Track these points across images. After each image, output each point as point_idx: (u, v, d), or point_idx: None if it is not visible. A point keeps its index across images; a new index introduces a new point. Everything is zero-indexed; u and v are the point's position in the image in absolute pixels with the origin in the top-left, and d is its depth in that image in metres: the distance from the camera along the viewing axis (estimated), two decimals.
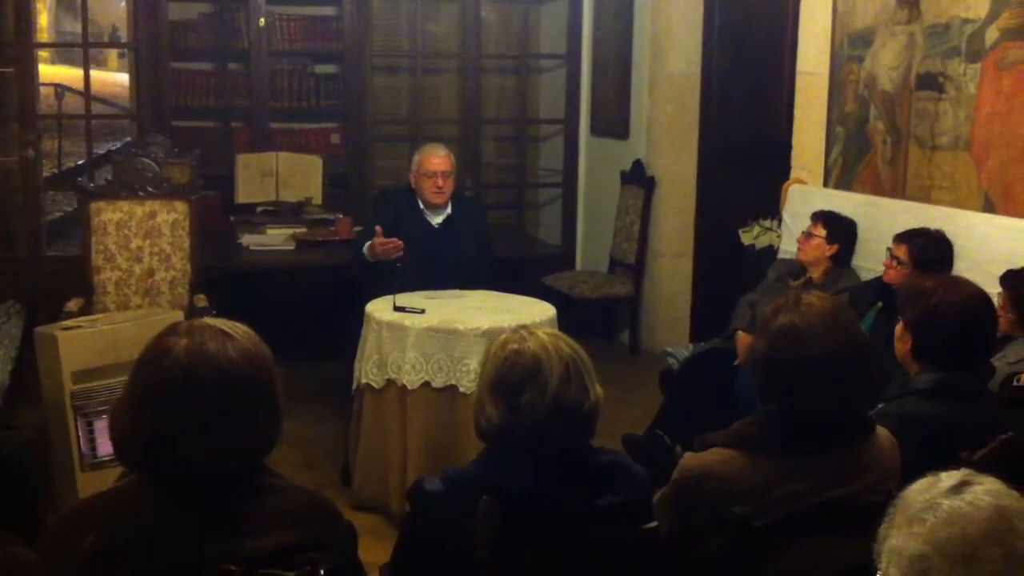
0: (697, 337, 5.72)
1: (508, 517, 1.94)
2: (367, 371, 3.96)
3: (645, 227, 6.20)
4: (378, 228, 4.59)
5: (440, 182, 4.68)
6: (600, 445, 2.23)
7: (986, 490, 1.53)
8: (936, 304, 2.63)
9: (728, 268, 5.71)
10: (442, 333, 3.85)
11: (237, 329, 1.87)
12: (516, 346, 2.06)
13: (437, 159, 4.71)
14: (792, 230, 4.81)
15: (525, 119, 7.19)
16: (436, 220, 4.78)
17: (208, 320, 1.90)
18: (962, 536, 1.47)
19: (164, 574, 1.73)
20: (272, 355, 1.86)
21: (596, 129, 6.73)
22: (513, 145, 7.24)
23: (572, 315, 6.17)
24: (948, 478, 1.56)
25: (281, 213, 5.95)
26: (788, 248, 4.85)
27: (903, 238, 3.97)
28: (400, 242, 4.56)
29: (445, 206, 4.78)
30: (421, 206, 4.76)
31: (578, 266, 6.87)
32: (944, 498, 1.51)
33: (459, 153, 6.89)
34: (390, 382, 3.92)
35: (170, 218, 4.76)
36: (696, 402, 4.27)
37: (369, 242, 4.64)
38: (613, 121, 6.49)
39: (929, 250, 3.88)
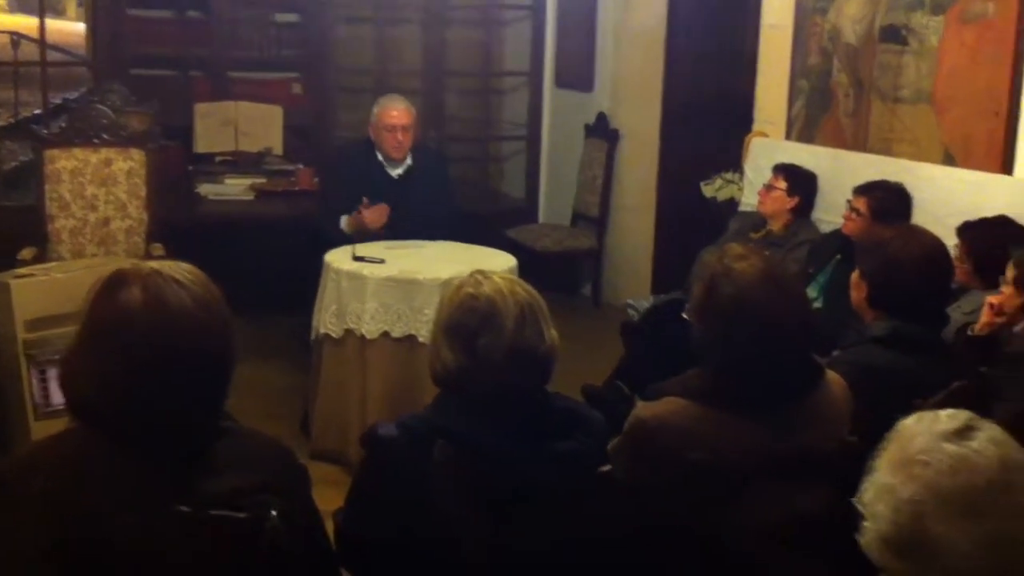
0: (659, 289, 5.72)
1: (463, 461, 1.94)
2: (326, 321, 3.94)
3: (608, 180, 6.19)
4: (365, 200, 4.51)
5: (400, 136, 4.63)
6: (571, 398, 2.23)
7: (990, 438, 1.50)
8: (893, 253, 2.64)
9: (691, 221, 5.70)
10: (402, 283, 3.83)
11: (188, 274, 1.83)
12: (471, 290, 2.04)
13: (396, 112, 4.65)
14: (754, 183, 4.82)
15: (489, 71, 7.12)
16: (396, 172, 4.73)
17: (156, 264, 1.85)
18: (967, 487, 1.45)
19: (115, 516, 1.71)
20: (223, 296, 1.82)
21: (561, 82, 6.68)
22: (477, 98, 7.18)
23: (535, 268, 6.14)
24: (949, 419, 1.53)
25: (241, 163, 5.88)
26: (750, 201, 4.85)
27: (862, 191, 3.98)
28: (387, 207, 4.48)
29: (405, 158, 4.73)
30: (380, 158, 4.71)
31: (541, 219, 6.85)
32: (947, 442, 1.49)
33: (423, 106, 6.84)
34: (349, 332, 3.90)
35: (126, 166, 4.68)
36: (655, 353, 4.28)
37: (346, 216, 4.57)
38: (578, 74, 6.44)
39: (887, 202, 3.90)
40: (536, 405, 2.02)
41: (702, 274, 2.20)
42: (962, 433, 1.48)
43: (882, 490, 1.49)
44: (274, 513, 1.76)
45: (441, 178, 4.86)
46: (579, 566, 1.96)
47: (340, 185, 4.67)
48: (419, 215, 4.56)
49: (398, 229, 4.41)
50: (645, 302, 4.89)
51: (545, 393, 2.07)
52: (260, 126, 6.03)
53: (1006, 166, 3.85)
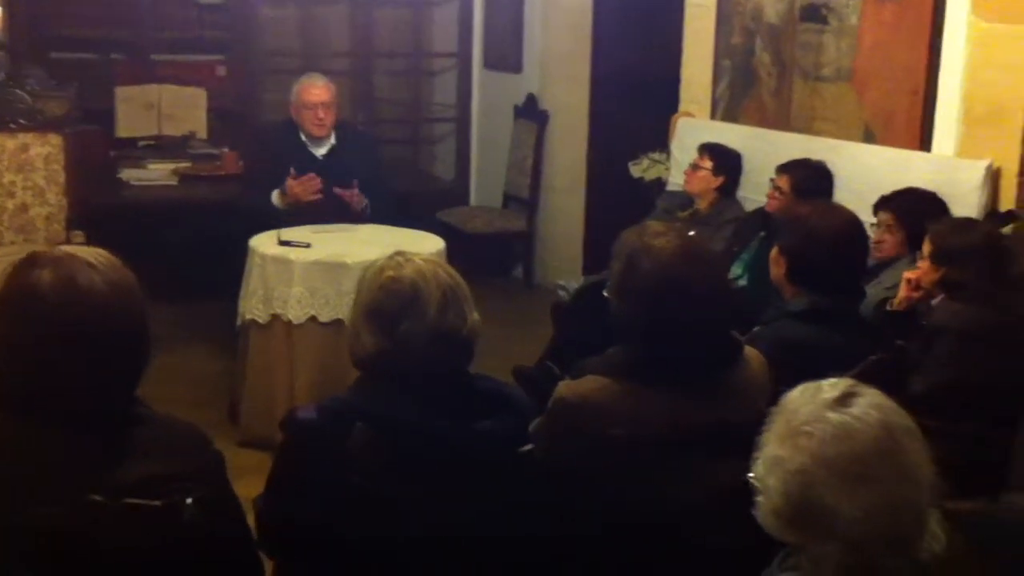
0: (590, 270, 5.75)
1: (384, 444, 1.93)
2: (251, 307, 3.90)
3: (538, 162, 6.19)
4: (292, 171, 4.46)
5: (321, 113, 4.58)
6: (494, 378, 2.23)
7: (871, 403, 1.53)
8: (810, 229, 2.67)
9: (620, 201, 5.72)
10: (329, 267, 3.80)
11: (101, 258, 1.80)
12: (393, 273, 2.02)
13: (317, 89, 4.60)
14: (681, 163, 4.85)
15: (419, 52, 7.07)
16: (319, 152, 4.68)
17: (68, 249, 1.83)
18: (851, 454, 1.47)
19: (29, 505, 1.68)
20: (137, 281, 1.80)
21: (489, 63, 6.66)
22: (407, 79, 7.13)
23: (467, 251, 6.15)
24: (831, 388, 1.56)
25: (164, 148, 5.79)
26: (677, 180, 4.89)
27: (785, 169, 4.04)
28: (317, 179, 4.44)
29: (328, 137, 4.68)
30: (303, 138, 4.65)
31: (472, 201, 6.83)
32: (830, 411, 1.51)
33: (351, 88, 6.78)
34: (275, 317, 3.86)
35: (43, 151, 4.58)
36: (585, 333, 4.29)
37: (277, 190, 4.52)
38: (506, 54, 6.42)
39: (809, 180, 3.96)
40: (457, 386, 2.02)
41: (621, 252, 2.21)
42: (843, 401, 1.50)
43: (772, 463, 1.51)
44: (190, 500, 1.74)
45: (371, 160, 4.81)
46: (501, 545, 1.96)
47: (264, 166, 4.60)
48: (344, 202, 4.52)
49: (324, 210, 4.37)
50: (575, 283, 4.91)
51: (467, 374, 2.06)
52: (184, 109, 5.94)
53: (924, 143, 3.92)
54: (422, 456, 1.93)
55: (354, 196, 4.48)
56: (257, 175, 4.62)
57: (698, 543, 2.03)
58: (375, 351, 1.98)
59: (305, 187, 4.44)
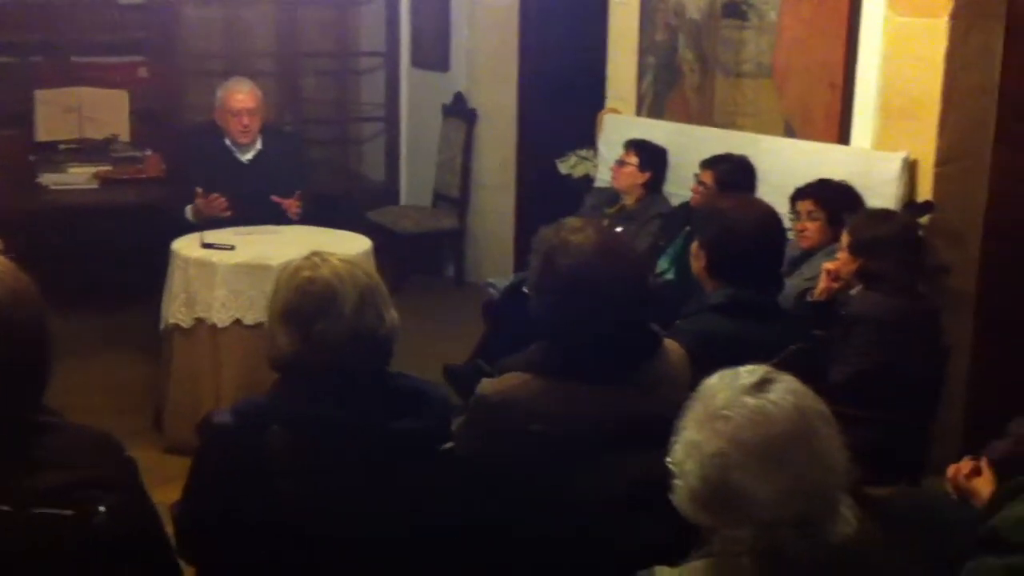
0: (521, 268, 5.75)
1: (301, 445, 1.91)
2: (175, 311, 3.84)
3: (468, 160, 6.18)
4: (198, 190, 4.40)
5: (246, 120, 4.52)
6: (425, 377, 2.22)
7: (787, 388, 1.56)
8: (729, 223, 2.70)
9: (550, 198, 5.74)
10: (253, 269, 3.76)
11: None
12: (308, 273, 2.01)
13: (241, 95, 4.54)
14: (607, 159, 4.88)
15: (345, 52, 7.02)
16: (245, 156, 4.62)
17: None
18: (766, 437, 1.50)
19: None
20: (35, 286, 1.75)
21: (417, 62, 6.64)
22: (334, 79, 7.07)
23: (397, 250, 6.14)
24: (748, 374, 1.59)
25: (86, 151, 5.67)
26: (604, 177, 4.92)
27: (709, 164, 4.08)
28: (223, 199, 4.38)
29: (253, 142, 4.62)
30: (228, 143, 4.59)
31: (403, 201, 6.81)
32: (747, 396, 1.54)
33: (277, 88, 6.71)
34: (199, 321, 3.81)
35: None
36: (515, 330, 4.30)
37: (190, 205, 4.45)
38: (434, 53, 6.41)
39: (732, 174, 4.01)
40: (375, 385, 2.01)
41: (539, 248, 2.21)
42: (760, 386, 1.53)
43: (689, 447, 1.53)
44: (102, 509, 1.71)
45: (296, 163, 4.76)
46: (421, 542, 1.96)
47: (189, 172, 4.53)
48: (272, 201, 4.47)
49: (251, 215, 4.31)
50: (506, 280, 4.91)
51: (385, 373, 2.05)
52: (105, 112, 5.83)
53: (843, 136, 3.99)
54: (339, 457, 1.91)
55: (292, 205, 4.42)
56: (183, 183, 4.53)
57: (619, 536, 2.04)
58: (291, 352, 1.96)
59: (211, 206, 4.37)
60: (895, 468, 2.98)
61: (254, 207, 4.39)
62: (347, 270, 1.99)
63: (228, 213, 4.36)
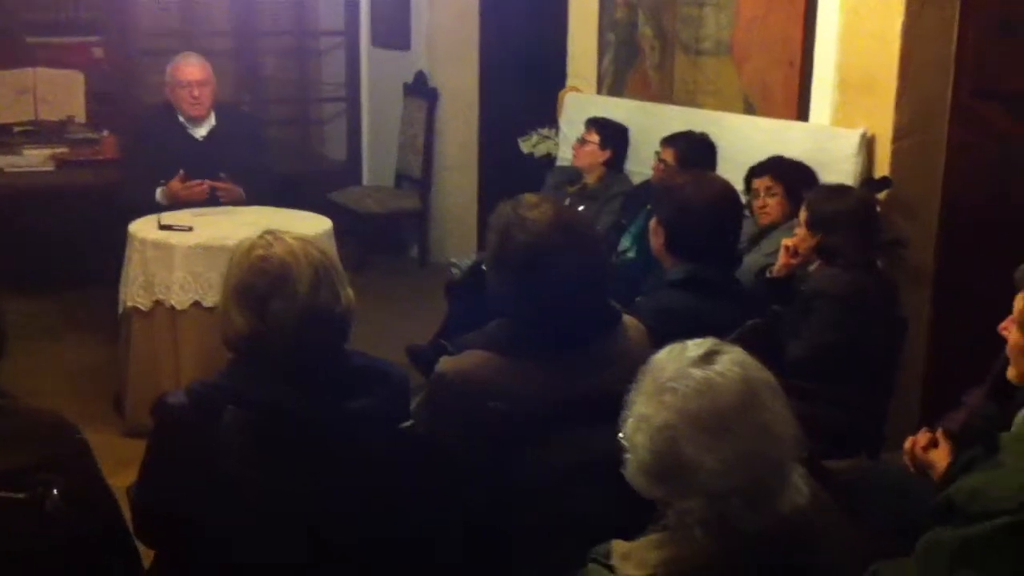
0: (484, 247, 5.75)
1: (256, 425, 1.90)
2: (133, 293, 3.80)
3: (430, 140, 6.16)
4: (181, 172, 4.35)
5: (195, 92, 4.48)
6: (389, 358, 2.21)
7: (733, 360, 1.57)
8: (686, 199, 2.71)
9: (513, 178, 5.72)
10: (211, 250, 3.72)
11: None
12: (262, 252, 1.98)
13: (190, 67, 4.50)
14: (569, 138, 4.87)
15: (304, 31, 6.96)
16: (199, 133, 4.57)
17: None
18: (712, 408, 1.51)
19: None
20: None
21: (377, 40, 6.59)
22: (294, 58, 7.01)
23: (360, 231, 6.11)
24: (696, 347, 1.60)
25: (41, 133, 5.59)
26: (566, 156, 4.91)
27: (669, 141, 4.08)
28: (205, 185, 4.34)
29: (207, 117, 4.57)
30: (182, 120, 4.54)
31: (365, 181, 6.77)
32: (694, 368, 1.54)
33: (235, 68, 6.64)
34: (158, 303, 3.78)
35: None
36: (478, 309, 4.29)
37: (161, 188, 4.40)
38: (394, 32, 6.37)
39: (693, 152, 4.01)
40: (332, 365, 1.99)
41: (495, 225, 2.20)
42: (707, 358, 1.54)
43: (639, 420, 1.54)
44: (56, 491, 1.69)
45: (254, 143, 4.71)
46: (380, 522, 1.95)
47: (143, 153, 4.48)
48: (228, 178, 4.43)
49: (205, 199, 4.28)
50: (468, 260, 4.90)
51: (342, 352, 2.04)
52: (61, 93, 5.74)
53: (801, 112, 4.00)
54: (296, 436, 1.90)
55: (228, 191, 4.38)
56: (137, 166, 4.48)
57: (578, 511, 2.05)
58: (246, 331, 1.94)
59: (192, 193, 4.34)
60: (853, 442, 3.01)
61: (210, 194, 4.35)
62: (301, 248, 1.97)
63: (205, 197, 4.33)
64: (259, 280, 1.95)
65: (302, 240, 2.03)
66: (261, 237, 2.02)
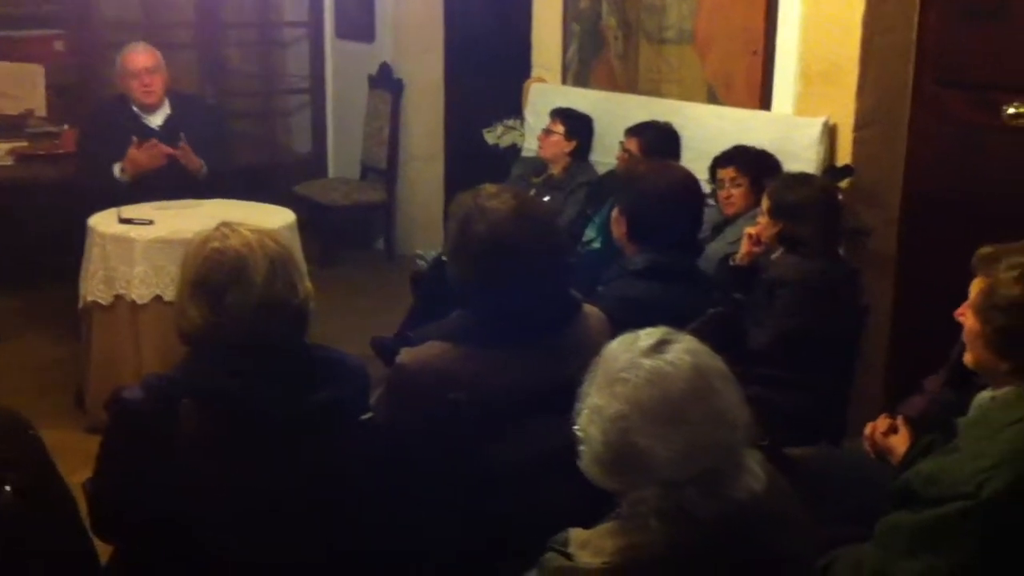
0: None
1: (213, 419, 1.88)
2: (93, 288, 3.76)
3: (395, 131, 6.13)
4: (134, 139, 4.33)
5: (146, 79, 4.45)
6: (356, 351, 2.19)
7: (684, 348, 1.57)
8: (646, 188, 2.71)
9: (479, 169, 5.70)
10: (172, 244, 3.68)
11: None
12: (217, 244, 1.97)
13: (139, 56, 4.47)
14: (534, 128, 4.86)
15: (268, 22, 6.90)
16: (155, 121, 4.52)
17: None
18: (663, 397, 1.51)
19: None
20: None
21: (341, 32, 6.54)
22: (258, 50, 6.96)
23: (326, 223, 6.08)
24: (647, 336, 1.60)
25: (1, 127, 5.50)
26: (531, 146, 4.90)
27: (633, 131, 4.09)
28: (158, 142, 4.32)
29: (160, 104, 4.53)
30: (135, 110, 4.50)
31: (330, 173, 6.73)
32: (645, 358, 1.54)
33: (198, 60, 6.58)
34: (119, 298, 3.74)
35: None
36: (443, 301, 4.28)
37: (117, 164, 4.35)
38: (358, 23, 6.32)
39: (657, 142, 4.02)
40: (290, 357, 1.98)
41: (455, 214, 2.19)
42: (658, 348, 1.54)
43: (592, 412, 1.54)
44: (8, 488, 1.67)
45: (215, 135, 4.66)
46: (339, 514, 1.94)
47: (98, 142, 4.44)
48: (184, 171, 4.39)
49: (167, 182, 4.24)
50: (434, 251, 4.88)
51: (301, 344, 2.03)
52: (20, 87, 5.66)
53: (764, 102, 4.01)
54: (253, 429, 1.88)
55: (186, 154, 4.35)
56: (91, 156, 4.44)
57: (538, 501, 2.04)
58: (202, 324, 1.93)
59: (149, 154, 4.31)
60: (815, 429, 3.02)
61: (170, 172, 4.31)
62: (257, 240, 1.96)
63: (165, 161, 4.30)
64: (214, 272, 1.94)
65: (258, 232, 2.01)
66: (217, 229, 2.01)
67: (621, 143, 4.15)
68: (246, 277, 1.93)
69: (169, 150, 4.33)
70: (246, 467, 1.88)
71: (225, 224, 2.02)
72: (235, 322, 1.91)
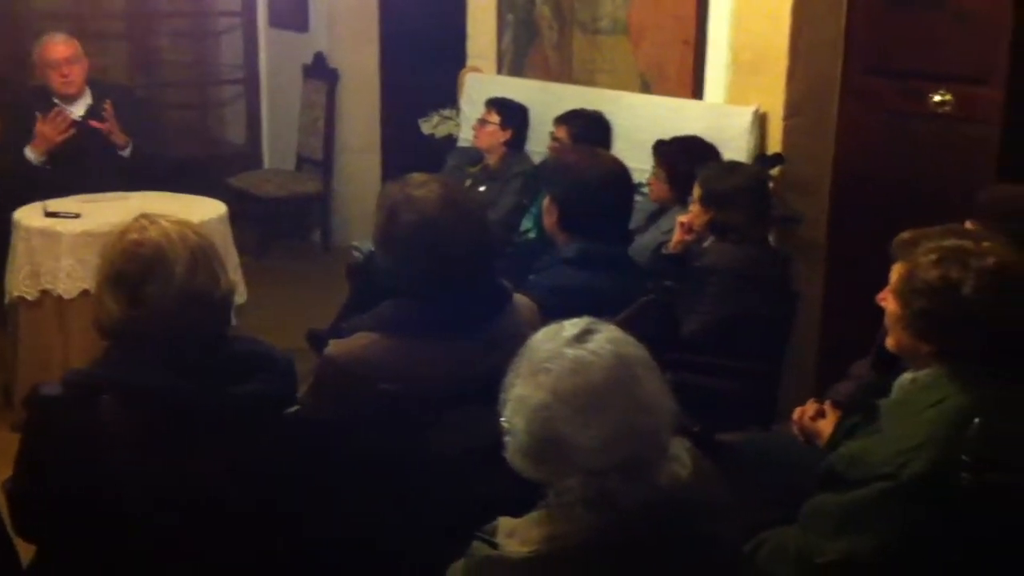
0: None
1: (134, 415, 1.84)
2: (19, 283, 3.69)
3: (331, 122, 6.08)
4: (38, 114, 4.27)
5: (65, 70, 4.39)
6: (292, 344, 2.16)
7: (607, 338, 1.57)
8: (576, 176, 2.71)
9: (416, 160, 5.67)
10: (100, 237, 3.60)
11: None
12: (136, 236, 1.93)
13: (57, 46, 4.42)
14: (470, 118, 4.85)
15: (200, 12, 6.80)
16: (77, 112, 4.44)
17: None
18: (586, 385, 1.51)
19: None
20: None
21: (275, 21, 6.46)
22: (190, 40, 6.86)
23: (262, 215, 6.01)
24: (571, 327, 1.60)
25: None
26: (467, 136, 4.89)
27: (562, 120, 4.10)
28: (65, 113, 4.25)
29: (81, 95, 4.45)
30: (56, 101, 4.42)
31: (266, 164, 6.66)
32: (568, 347, 1.54)
33: (130, 51, 6.47)
34: (45, 293, 3.68)
35: None
36: (378, 292, 4.25)
37: (28, 145, 4.27)
38: (292, 12, 6.25)
39: (586, 129, 4.04)
40: (213, 350, 1.95)
41: (383, 204, 2.18)
42: (581, 337, 1.54)
43: (516, 403, 1.54)
44: None
45: (138, 126, 4.58)
46: (266, 508, 1.92)
47: (19, 136, 4.35)
48: (108, 157, 4.33)
49: (91, 174, 4.16)
50: (369, 243, 4.84)
51: (224, 337, 2.00)
52: None
53: (697, 91, 4.03)
54: (175, 423, 1.85)
55: (111, 127, 4.29)
56: (13, 148, 4.35)
57: (469, 491, 2.04)
58: (121, 318, 1.89)
59: (55, 124, 4.26)
60: (747, 414, 3.05)
61: (95, 165, 4.23)
62: (177, 231, 1.92)
63: (72, 131, 4.26)
64: (133, 265, 1.91)
65: (179, 223, 1.98)
66: (136, 221, 1.97)
67: (551, 132, 4.15)
68: (165, 269, 1.89)
69: (100, 124, 4.27)
70: (169, 462, 1.85)
71: (144, 215, 1.98)
72: (154, 314, 1.87)
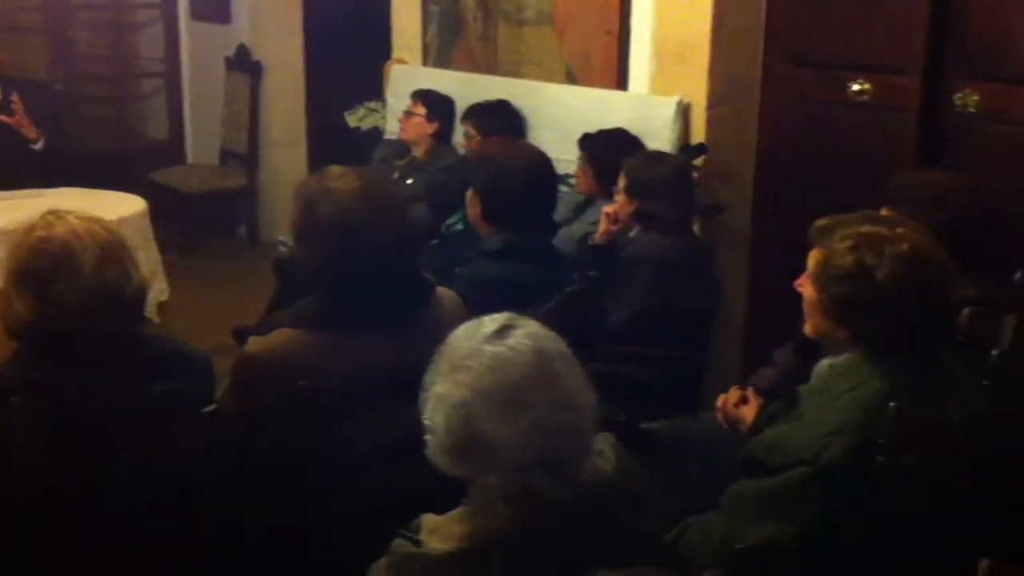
0: None
1: (44, 416, 1.79)
2: None
3: (255, 115, 6.00)
4: None
5: None
6: (218, 340, 2.11)
7: (526, 333, 1.55)
8: (499, 168, 2.70)
9: (342, 153, 5.62)
10: (11, 236, 3.50)
11: None
12: (42, 232, 1.88)
13: None
14: (396, 111, 4.80)
15: (120, 3, 6.66)
16: None
17: None
18: (506, 383, 1.49)
19: None
20: None
21: (196, 13, 6.35)
22: (109, 33, 6.71)
23: (186, 211, 5.90)
24: (491, 323, 1.58)
25: None
26: (393, 129, 4.85)
27: (466, 116, 4.18)
28: None
29: None
30: None
31: (189, 159, 6.55)
32: (487, 344, 1.53)
33: (47, 44, 6.31)
34: None
35: None
36: (305, 287, 4.20)
37: None
38: (213, 4, 6.15)
39: (493, 119, 4.07)
40: (125, 348, 1.90)
41: (300, 197, 2.14)
42: (500, 333, 1.52)
43: (436, 400, 1.52)
44: None
45: (50, 115, 4.48)
46: (183, 508, 1.88)
47: None
48: (19, 151, 4.23)
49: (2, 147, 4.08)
50: None
51: (138, 336, 1.95)
52: None
53: (621, 82, 4.04)
54: (88, 424, 1.80)
55: (20, 119, 4.19)
56: None
57: (392, 487, 2.01)
58: (28, 317, 1.84)
59: None
60: (673, 402, 3.07)
61: (4, 141, 4.14)
62: (85, 227, 1.87)
63: None
64: (39, 262, 1.86)
65: (87, 219, 1.93)
66: (42, 217, 1.92)
67: (462, 125, 4.17)
68: (73, 266, 1.84)
69: (9, 119, 4.17)
70: (82, 463, 1.80)
71: (52, 212, 1.93)
72: (63, 312, 1.82)
